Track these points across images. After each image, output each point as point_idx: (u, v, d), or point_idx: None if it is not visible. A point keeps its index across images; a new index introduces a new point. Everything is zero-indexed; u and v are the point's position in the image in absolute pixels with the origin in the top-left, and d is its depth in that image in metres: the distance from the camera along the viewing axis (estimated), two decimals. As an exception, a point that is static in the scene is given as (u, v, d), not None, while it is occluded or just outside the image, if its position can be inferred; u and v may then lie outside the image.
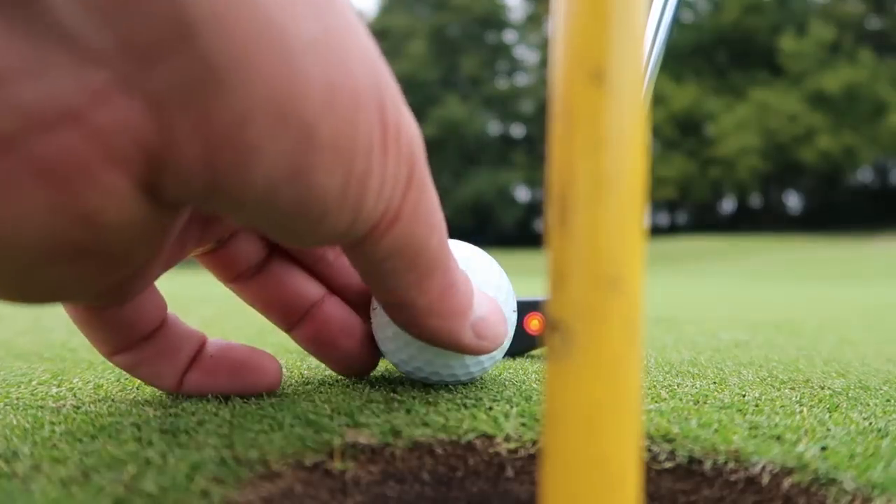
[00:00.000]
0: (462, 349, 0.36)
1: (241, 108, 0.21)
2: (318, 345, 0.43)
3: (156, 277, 0.34)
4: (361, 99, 0.23)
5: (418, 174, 0.27)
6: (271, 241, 0.41)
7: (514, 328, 0.46)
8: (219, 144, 0.21)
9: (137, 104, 0.20)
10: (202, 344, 0.39)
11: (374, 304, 0.44)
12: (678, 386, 0.48)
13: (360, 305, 0.44)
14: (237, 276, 0.41)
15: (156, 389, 0.42)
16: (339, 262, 0.42)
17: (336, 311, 0.43)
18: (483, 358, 0.44)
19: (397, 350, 0.43)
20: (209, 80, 0.20)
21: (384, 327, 0.44)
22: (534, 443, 0.33)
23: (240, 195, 0.23)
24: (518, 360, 0.60)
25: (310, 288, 0.42)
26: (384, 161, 0.25)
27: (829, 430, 0.36)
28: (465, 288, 0.34)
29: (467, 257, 0.44)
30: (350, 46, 0.23)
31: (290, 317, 0.42)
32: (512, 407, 0.38)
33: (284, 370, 0.52)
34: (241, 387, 0.40)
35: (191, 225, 0.35)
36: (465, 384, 0.45)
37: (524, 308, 0.59)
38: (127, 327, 0.36)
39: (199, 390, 0.39)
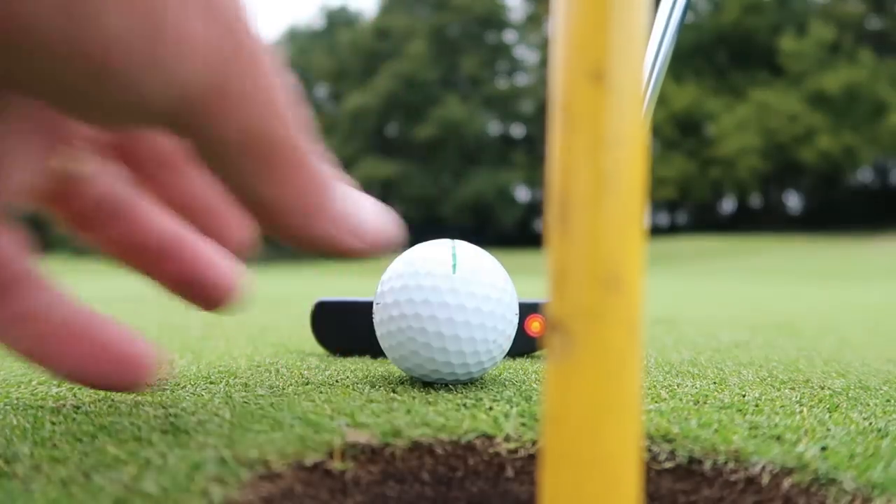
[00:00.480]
0: (348, 254, 0.32)
1: None
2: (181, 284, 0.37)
3: None
4: None
5: (249, 51, 0.25)
6: (143, 164, 0.36)
7: (515, 331, 0.46)
8: None
9: None
10: (51, 304, 0.32)
11: (378, 299, 0.45)
12: (678, 386, 0.48)
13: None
14: (93, 218, 0.36)
15: (156, 390, 0.42)
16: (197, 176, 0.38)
17: (194, 244, 0.37)
18: (483, 358, 0.44)
19: (398, 346, 0.44)
20: None
21: (385, 323, 0.44)
22: (534, 443, 0.33)
23: (20, 34, 0.21)
24: (518, 360, 0.60)
25: (169, 224, 0.37)
26: (186, 18, 0.23)
27: (829, 430, 0.36)
28: (338, 189, 0.31)
29: (472, 257, 0.44)
30: None
31: (147, 258, 0.37)
32: (512, 407, 0.38)
33: (284, 370, 0.52)
34: (97, 374, 0.32)
35: (21, 142, 0.30)
36: (464, 384, 0.46)
37: (525, 310, 0.59)
38: None
39: (26, 354, 0.32)
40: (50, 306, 0.32)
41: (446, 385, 0.45)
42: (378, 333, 0.45)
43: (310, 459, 0.31)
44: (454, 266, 0.43)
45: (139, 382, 0.32)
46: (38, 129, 0.30)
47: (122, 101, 0.24)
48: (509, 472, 0.33)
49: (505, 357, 0.59)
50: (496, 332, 0.44)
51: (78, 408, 0.39)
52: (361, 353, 0.62)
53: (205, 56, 0.24)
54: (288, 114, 0.27)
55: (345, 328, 0.63)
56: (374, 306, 0.45)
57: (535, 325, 0.60)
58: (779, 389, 0.48)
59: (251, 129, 0.26)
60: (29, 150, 0.30)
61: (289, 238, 0.31)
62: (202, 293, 0.37)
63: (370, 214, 0.33)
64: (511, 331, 0.45)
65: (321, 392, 0.42)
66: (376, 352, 0.55)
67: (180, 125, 0.25)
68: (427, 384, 0.45)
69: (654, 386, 0.47)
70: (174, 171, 0.38)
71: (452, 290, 0.43)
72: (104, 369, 0.32)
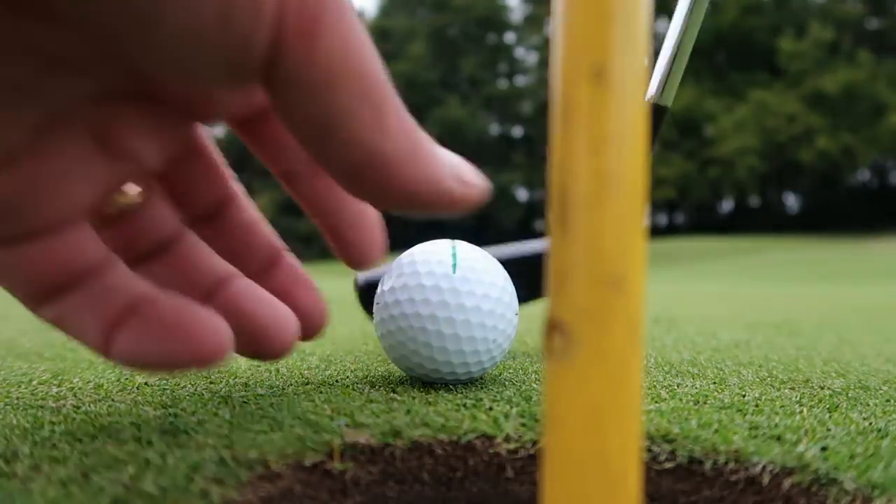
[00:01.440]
0: (456, 203, 0.30)
1: None
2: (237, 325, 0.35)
3: (54, 207, 0.29)
4: None
5: None
6: (191, 207, 0.37)
7: (515, 330, 0.46)
8: None
9: None
10: (138, 299, 0.31)
11: (378, 299, 0.45)
12: (678, 386, 0.48)
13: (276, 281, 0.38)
14: (147, 253, 0.35)
15: (156, 389, 0.42)
16: (242, 219, 0.37)
17: (250, 290, 0.36)
18: (483, 358, 0.44)
19: (398, 346, 0.44)
20: None
21: (385, 322, 0.44)
22: (534, 443, 0.33)
23: None
24: (518, 360, 0.60)
25: (222, 266, 0.37)
26: None
27: (829, 430, 0.36)
28: (425, 133, 0.29)
29: (475, 258, 0.44)
30: None
31: (199, 296, 0.36)
32: (512, 407, 0.38)
33: (284, 370, 0.52)
34: (172, 356, 0.31)
35: (89, 157, 0.30)
36: (464, 384, 0.46)
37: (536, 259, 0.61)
38: (46, 270, 0.30)
39: (129, 357, 0.31)
40: (112, 291, 0.31)
41: (446, 385, 0.45)
42: (378, 333, 0.45)
43: (309, 460, 0.31)
44: (454, 266, 0.43)
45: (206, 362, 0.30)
46: (100, 149, 0.30)
47: (232, 35, 0.22)
48: (509, 473, 0.33)
49: (505, 357, 0.59)
50: (496, 332, 0.44)
51: (78, 408, 0.39)
52: None
53: None
54: (373, 52, 0.26)
55: None
56: (374, 306, 0.45)
57: None
58: (779, 389, 0.48)
59: (349, 63, 0.24)
60: (91, 167, 0.29)
61: (391, 195, 0.28)
62: (254, 339, 0.36)
63: (460, 162, 0.31)
64: (511, 330, 0.46)
65: (321, 392, 0.42)
66: None
67: (278, 63, 0.23)
68: (427, 384, 0.45)
69: (654, 386, 0.47)
70: (231, 219, 0.38)
71: (453, 290, 0.43)
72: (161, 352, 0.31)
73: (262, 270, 0.39)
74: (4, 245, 0.29)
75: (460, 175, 0.30)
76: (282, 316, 0.36)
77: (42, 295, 0.31)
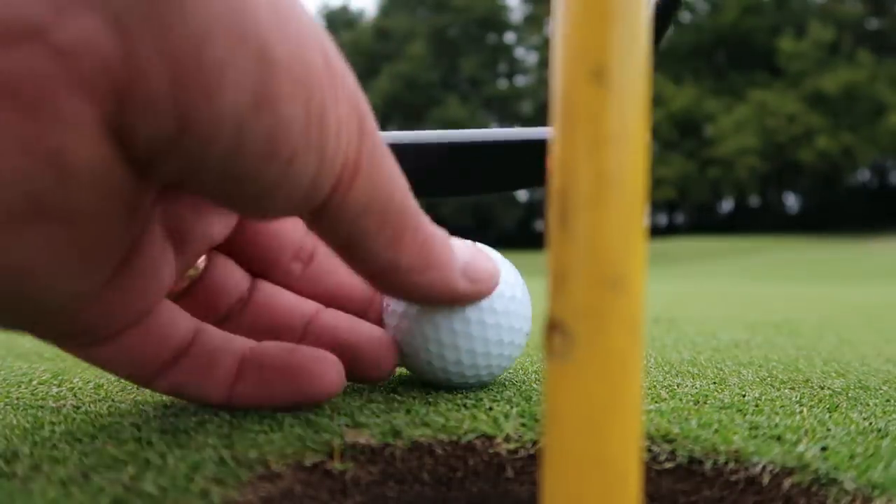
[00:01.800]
0: (460, 298, 0.36)
1: (199, 23, 0.21)
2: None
3: (143, 303, 0.32)
4: (305, 31, 0.24)
5: (369, 127, 0.27)
6: (251, 267, 0.39)
7: (526, 340, 0.44)
8: (183, 64, 0.21)
9: (99, 20, 0.20)
10: (246, 352, 0.36)
11: (386, 300, 0.44)
12: (678, 386, 0.48)
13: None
14: (228, 312, 0.38)
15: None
16: (308, 273, 0.40)
17: (334, 318, 0.40)
18: (493, 363, 0.42)
19: (406, 345, 0.42)
20: None
21: (397, 317, 0.43)
22: (534, 443, 0.33)
23: (211, 132, 0.22)
24: (518, 360, 0.60)
25: (301, 305, 0.40)
26: (335, 101, 0.25)
27: (829, 430, 0.36)
28: (442, 238, 0.33)
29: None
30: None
31: (293, 338, 0.39)
32: (512, 407, 0.38)
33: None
34: (297, 396, 0.36)
35: (164, 249, 0.32)
36: (473, 388, 0.45)
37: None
38: (148, 351, 0.33)
39: (253, 403, 0.36)
40: (217, 352, 0.36)
41: (452, 387, 0.45)
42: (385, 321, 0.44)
43: (309, 460, 0.31)
44: None
45: (319, 397, 0.37)
46: (171, 239, 0.32)
47: (290, 192, 0.25)
48: (509, 473, 0.33)
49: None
50: (512, 347, 0.42)
51: (78, 408, 0.39)
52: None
53: (347, 136, 0.26)
54: (401, 179, 0.29)
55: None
56: (384, 306, 0.43)
57: None
58: (779, 389, 0.48)
59: (379, 200, 0.28)
60: (168, 257, 0.32)
61: (405, 293, 0.34)
62: (356, 365, 0.39)
63: (474, 258, 0.36)
64: (521, 340, 0.43)
65: (321, 392, 0.42)
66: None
67: (318, 203, 0.27)
68: (427, 384, 0.45)
69: (654, 386, 0.47)
70: (291, 278, 0.40)
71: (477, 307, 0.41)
72: (281, 394, 0.36)
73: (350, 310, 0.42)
74: (105, 343, 0.32)
75: (471, 274, 0.36)
76: (376, 337, 0.40)
77: (150, 374, 0.35)
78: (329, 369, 0.37)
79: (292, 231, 0.39)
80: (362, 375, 0.40)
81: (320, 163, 0.25)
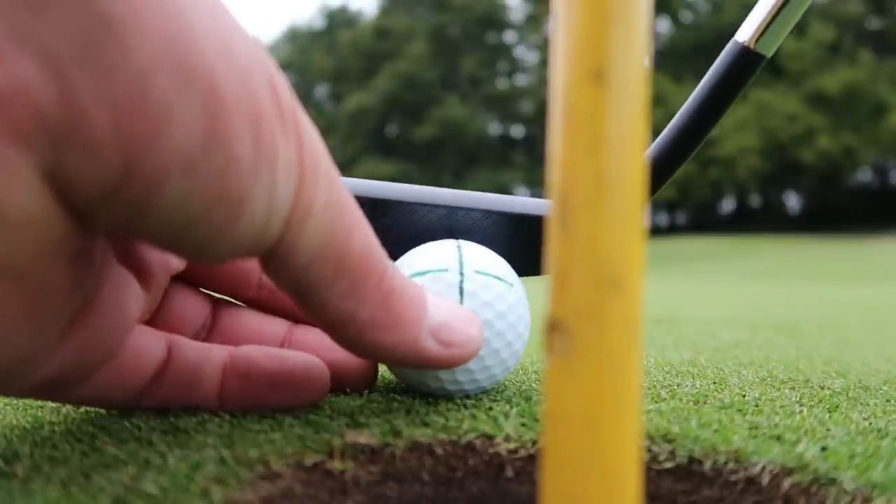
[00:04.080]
0: (428, 363, 0.31)
1: (142, 61, 0.20)
2: None
3: (111, 342, 0.31)
4: (252, 63, 0.23)
5: (323, 165, 0.26)
6: (222, 284, 0.38)
7: (523, 347, 0.42)
8: (126, 106, 0.20)
9: (33, 64, 0.19)
10: (227, 360, 0.35)
11: None
12: (678, 386, 0.48)
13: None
14: (193, 340, 0.37)
15: None
16: (277, 297, 0.39)
17: (310, 336, 0.39)
18: (494, 370, 0.41)
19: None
20: (103, 34, 0.19)
21: None
22: (534, 443, 0.33)
23: (158, 176, 0.21)
24: (518, 360, 0.60)
25: (271, 326, 0.39)
26: (286, 139, 0.24)
27: (829, 430, 0.36)
28: (412, 292, 0.30)
29: (480, 266, 0.40)
30: (233, 22, 0.23)
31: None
32: (512, 407, 0.38)
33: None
34: (285, 401, 0.36)
35: (127, 284, 0.31)
36: (469, 394, 0.44)
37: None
38: (125, 383, 0.33)
39: (243, 407, 0.36)
40: (198, 365, 0.35)
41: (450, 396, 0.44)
42: None
43: (310, 459, 0.31)
44: (461, 294, 0.39)
45: (309, 399, 0.36)
46: (132, 271, 0.32)
47: (241, 235, 0.24)
48: (509, 472, 0.33)
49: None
50: (503, 364, 0.41)
51: (78, 408, 0.39)
52: None
53: (298, 176, 0.24)
54: (363, 226, 0.28)
55: None
56: None
57: None
58: (779, 389, 0.48)
59: (333, 245, 0.26)
60: (131, 290, 0.31)
61: (367, 351, 0.30)
62: (335, 378, 0.38)
63: (451, 319, 0.32)
64: (519, 346, 0.42)
65: (321, 392, 0.42)
66: None
67: (268, 246, 0.25)
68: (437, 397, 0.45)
69: (654, 386, 0.47)
70: (266, 291, 0.39)
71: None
72: (269, 398, 0.36)
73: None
74: (78, 386, 0.31)
75: (443, 338, 0.31)
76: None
77: (132, 399, 0.34)
78: (316, 376, 0.36)
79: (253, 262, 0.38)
80: (342, 388, 0.41)
81: (270, 203, 0.23)
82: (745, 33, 0.44)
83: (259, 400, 0.36)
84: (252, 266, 0.38)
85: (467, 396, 0.41)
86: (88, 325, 0.28)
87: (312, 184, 0.25)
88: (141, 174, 0.21)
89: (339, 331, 0.29)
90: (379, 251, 0.28)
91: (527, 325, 0.42)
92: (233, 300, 0.40)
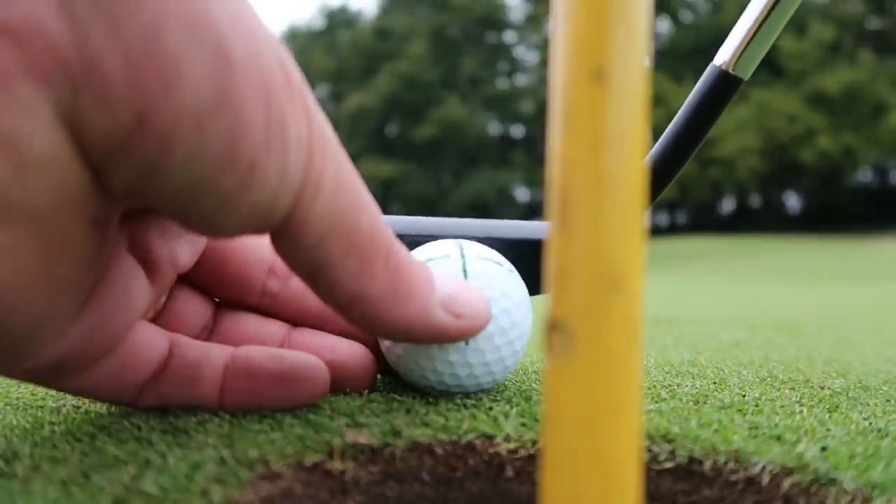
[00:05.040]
0: (440, 335, 0.32)
1: (152, 14, 0.20)
2: None
3: (116, 332, 0.31)
4: (261, 38, 0.23)
5: (332, 145, 0.26)
6: (225, 287, 0.38)
7: (524, 349, 0.42)
8: (138, 55, 0.20)
9: (46, 1, 0.20)
10: (228, 360, 0.36)
11: None
12: (678, 386, 0.48)
13: (327, 329, 0.40)
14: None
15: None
16: (285, 291, 0.39)
17: (308, 337, 0.39)
18: (494, 368, 0.41)
19: (400, 358, 0.41)
20: None
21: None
22: (534, 443, 0.33)
23: (169, 128, 0.21)
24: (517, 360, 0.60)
25: (270, 328, 0.39)
26: (295, 113, 0.24)
27: (829, 430, 0.36)
28: (420, 268, 0.31)
29: (482, 268, 0.40)
30: (248, 6, 0.24)
31: None
32: (512, 407, 0.38)
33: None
34: (285, 400, 0.36)
35: (136, 276, 0.32)
36: (469, 394, 0.44)
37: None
38: (125, 376, 0.33)
39: (243, 407, 0.36)
40: (201, 364, 0.35)
41: (453, 394, 0.44)
42: (384, 346, 0.42)
43: (310, 459, 0.31)
44: (465, 274, 0.40)
45: (310, 399, 0.36)
46: (140, 262, 0.32)
47: (250, 204, 0.24)
48: (509, 472, 0.33)
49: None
50: (503, 363, 0.41)
51: (78, 408, 0.39)
52: None
53: (308, 150, 0.25)
54: (371, 205, 0.28)
55: None
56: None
57: None
58: (779, 389, 0.48)
59: (343, 223, 0.27)
60: (138, 282, 0.31)
61: (379, 327, 0.31)
62: (335, 381, 0.38)
63: (459, 291, 0.33)
64: (520, 346, 0.41)
65: (321, 392, 0.42)
66: None
67: (278, 221, 0.25)
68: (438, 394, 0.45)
69: (654, 386, 0.47)
70: (268, 298, 0.39)
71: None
72: (272, 398, 0.36)
73: (325, 326, 0.40)
74: (79, 374, 0.31)
75: (453, 309, 0.32)
76: (356, 355, 0.39)
77: (131, 395, 0.34)
78: (317, 375, 0.36)
79: (264, 247, 0.37)
80: (342, 388, 0.40)
81: (281, 175, 0.24)
82: (722, 57, 0.45)
83: (260, 399, 0.36)
84: (256, 272, 0.38)
85: (467, 396, 0.41)
86: (97, 308, 0.28)
87: (321, 161, 0.25)
88: (152, 124, 0.21)
89: (352, 309, 0.29)
90: (386, 229, 0.29)
91: (528, 327, 0.42)
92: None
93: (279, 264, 0.38)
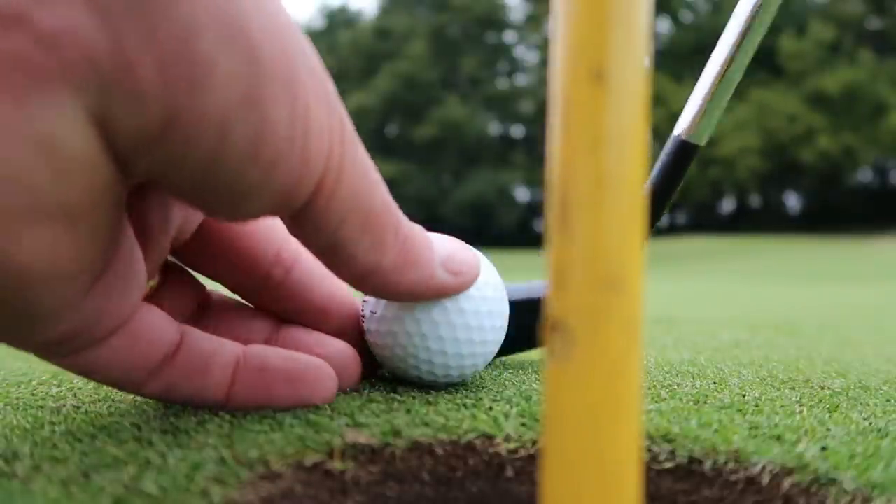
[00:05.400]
0: (443, 291, 0.36)
1: (188, 18, 0.21)
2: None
3: (125, 305, 0.31)
4: (290, 32, 0.24)
5: (349, 131, 0.27)
6: (230, 271, 0.38)
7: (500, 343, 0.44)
8: (171, 57, 0.21)
9: (82, 10, 0.20)
10: (240, 356, 0.36)
11: (363, 310, 0.43)
12: (678, 386, 0.48)
13: (324, 323, 0.40)
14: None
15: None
16: (288, 281, 0.39)
17: (295, 333, 0.39)
18: (478, 361, 0.42)
19: (384, 346, 0.42)
20: None
21: (377, 321, 0.43)
22: (534, 443, 0.33)
23: (196, 128, 0.22)
24: (518, 359, 0.60)
25: (258, 323, 0.39)
26: (318, 105, 0.25)
27: (829, 430, 0.36)
28: (422, 235, 0.34)
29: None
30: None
31: None
32: (512, 407, 0.38)
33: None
34: (294, 400, 0.36)
35: (136, 247, 0.31)
36: (457, 385, 0.45)
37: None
38: (135, 355, 0.33)
39: (250, 405, 0.36)
40: (212, 356, 0.35)
41: (447, 385, 0.45)
42: (370, 340, 0.43)
43: (310, 459, 0.31)
44: None
45: (316, 401, 0.37)
46: (140, 232, 0.32)
47: (273, 193, 0.25)
48: (509, 472, 0.33)
49: (506, 357, 0.59)
50: (494, 344, 0.43)
51: (78, 408, 0.39)
52: None
53: (330, 140, 0.26)
54: (381, 183, 0.30)
55: None
56: (368, 314, 0.43)
57: None
58: (779, 389, 0.48)
59: (361, 204, 0.28)
60: (139, 252, 0.31)
61: (389, 293, 0.34)
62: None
63: (454, 251, 0.36)
64: (497, 344, 0.44)
65: (321, 392, 0.42)
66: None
67: (298, 207, 0.27)
68: (428, 384, 0.45)
69: (654, 386, 0.47)
70: (271, 284, 0.39)
71: (460, 311, 0.41)
72: (279, 398, 0.36)
73: (313, 324, 0.41)
74: (89, 349, 0.31)
75: (452, 268, 0.36)
76: (342, 352, 0.40)
77: (139, 379, 0.34)
78: (326, 378, 0.37)
79: (271, 235, 0.38)
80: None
81: (303, 167, 0.25)
82: (681, 127, 0.50)
83: (267, 397, 0.36)
84: (263, 258, 0.38)
85: (467, 396, 0.41)
86: (107, 280, 0.28)
87: (341, 147, 0.26)
88: (180, 124, 0.22)
89: (365, 280, 0.32)
90: (393, 203, 0.31)
91: (502, 325, 0.43)
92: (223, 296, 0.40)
93: (285, 252, 0.38)
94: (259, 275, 0.38)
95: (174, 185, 0.24)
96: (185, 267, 0.39)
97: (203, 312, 0.39)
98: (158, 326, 0.33)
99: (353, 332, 0.42)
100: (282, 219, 0.28)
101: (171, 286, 0.38)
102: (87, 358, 0.31)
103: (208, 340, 0.35)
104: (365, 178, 0.28)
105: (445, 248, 0.36)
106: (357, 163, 0.28)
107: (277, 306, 0.40)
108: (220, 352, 0.35)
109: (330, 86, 0.26)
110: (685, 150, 0.50)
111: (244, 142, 0.23)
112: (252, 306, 0.41)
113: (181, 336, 0.34)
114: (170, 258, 0.38)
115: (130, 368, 0.33)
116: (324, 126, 0.25)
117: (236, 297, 0.41)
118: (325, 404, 0.38)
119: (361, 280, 0.32)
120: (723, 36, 0.47)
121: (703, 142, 0.50)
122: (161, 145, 0.22)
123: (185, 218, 0.35)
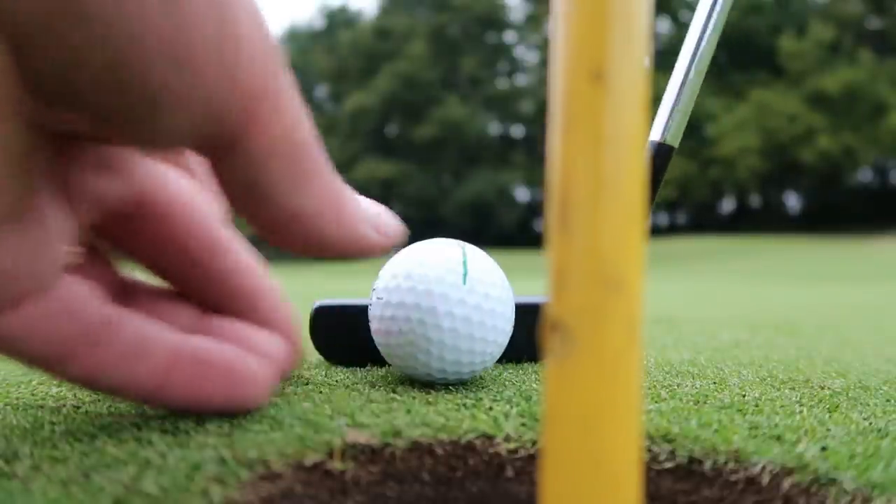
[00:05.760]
0: (369, 248, 0.34)
1: None
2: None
3: (38, 266, 0.29)
4: None
5: (287, 76, 0.27)
6: (123, 278, 0.36)
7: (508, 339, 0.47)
8: None
9: None
10: (179, 344, 0.33)
11: (380, 293, 0.45)
12: (678, 386, 0.48)
13: (253, 311, 0.37)
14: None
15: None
16: (219, 262, 0.36)
17: (221, 323, 0.37)
18: (477, 368, 0.45)
19: (395, 345, 0.44)
20: None
21: (385, 320, 0.44)
22: (534, 443, 0.33)
23: (88, 4, 0.21)
24: (518, 359, 0.60)
25: (183, 310, 0.36)
26: (252, 32, 0.25)
27: (829, 430, 0.36)
28: (350, 190, 0.33)
29: (482, 268, 0.45)
30: None
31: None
32: (512, 407, 0.38)
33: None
34: (226, 398, 0.34)
35: (55, 209, 0.30)
36: (453, 384, 0.46)
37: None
38: (52, 328, 0.30)
39: (179, 400, 0.34)
40: (149, 341, 0.33)
41: (446, 385, 0.45)
42: (373, 327, 0.46)
43: (310, 459, 0.31)
44: (465, 276, 0.44)
45: (251, 402, 0.35)
46: (62, 194, 0.30)
47: (188, 105, 0.24)
48: (509, 472, 0.33)
49: (507, 359, 0.59)
50: (495, 345, 0.45)
51: (78, 408, 0.39)
52: (363, 364, 0.55)
53: (264, 70, 0.26)
54: (309, 124, 0.29)
55: (354, 337, 0.54)
56: (375, 300, 0.45)
57: None
58: (779, 389, 0.48)
59: (287, 138, 0.28)
60: (59, 215, 0.30)
61: (312, 243, 0.32)
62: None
63: (381, 213, 0.35)
64: (505, 339, 0.46)
65: (321, 392, 0.42)
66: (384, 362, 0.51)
67: (221, 133, 0.26)
68: (427, 384, 0.46)
69: (654, 386, 0.47)
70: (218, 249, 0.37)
71: (461, 302, 0.43)
72: (214, 394, 0.34)
73: (240, 314, 0.38)
74: (11, 309, 0.29)
75: (379, 226, 0.34)
76: (268, 342, 0.37)
77: (67, 353, 0.31)
78: (262, 381, 0.35)
79: (202, 214, 0.35)
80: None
81: (231, 85, 0.24)
82: (656, 133, 0.53)
83: (201, 391, 0.34)
84: (199, 239, 0.36)
85: (467, 396, 0.41)
86: (15, 235, 0.27)
87: (276, 84, 0.26)
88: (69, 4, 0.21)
89: (288, 227, 0.30)
90: (322, 151, 0.30)
91: (507, 328, 0.46)
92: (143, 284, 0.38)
93: (217, 233, 0.36)
94: (188, 257, 0.36)
95: (82, 93, 0.23)
96: (107, 249, 0.36)
97: (126, 297, 0.36)
98: (82, 299, 0.31)
99: (282, 321, 0.39)
100: (209, 155, 0.27)
101: (95, 265, 0.35)
102: (4, 325, 0.29)
103: (149, 326, 0.33)
104: (300, 119, 0.28)
105: (373, 209, 0.35)
106: (293, 103, 0.28)
107: (205, 292, 0.37)
108: (157, 338, 0.33)
109: (267, 27, 0.26)
110: (661, 151, 0.53)
111: (154, 36, 0.22)
112: (176, 291, 0.38)
113: (114, 317, 0.32)
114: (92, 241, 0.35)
115: (49, 342, 0.31)
116: (257, 53, 0.25)
117: (159, 282, 0.38)
118: (326, 404, 0.38)
119: (284, 227, 0.30)
120: (683, 46, 0.52)
121: (676, 143, 0.53)
122: (55, 26, 0.21)
123: (107, 184, 0.32)
